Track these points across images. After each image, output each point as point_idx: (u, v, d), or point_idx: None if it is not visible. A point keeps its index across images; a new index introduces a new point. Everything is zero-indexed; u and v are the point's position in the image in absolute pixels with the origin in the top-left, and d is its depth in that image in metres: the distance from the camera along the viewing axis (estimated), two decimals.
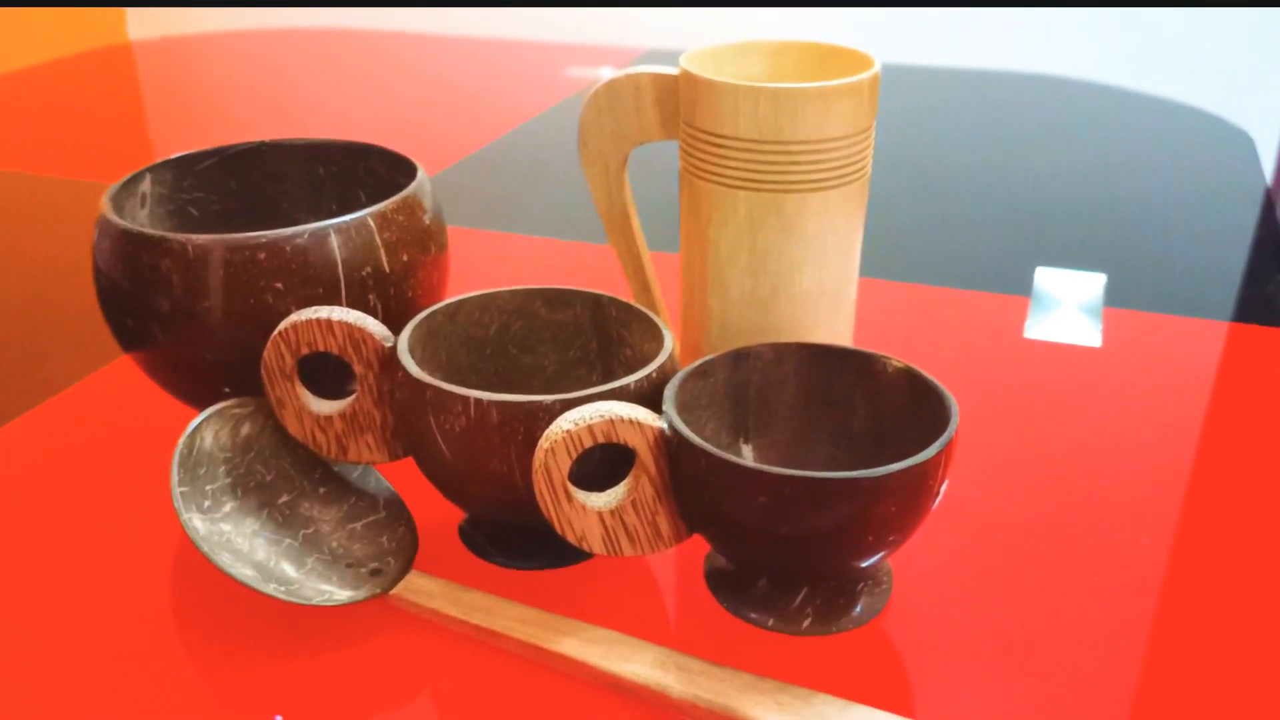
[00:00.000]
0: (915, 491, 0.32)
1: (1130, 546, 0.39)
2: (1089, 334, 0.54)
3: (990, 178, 0.77)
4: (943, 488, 0.34)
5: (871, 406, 0.38)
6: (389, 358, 0.37)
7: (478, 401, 0.34)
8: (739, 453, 0.39)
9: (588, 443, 0.33)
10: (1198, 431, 0.46)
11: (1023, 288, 0.59)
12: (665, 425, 0.34)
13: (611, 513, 0.34)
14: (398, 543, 0.38)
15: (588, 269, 0.63)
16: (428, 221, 0.42)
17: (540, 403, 0.34)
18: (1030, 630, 0.36)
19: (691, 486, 0.33)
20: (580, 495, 0.34)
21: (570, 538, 0.34)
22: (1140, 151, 0.82)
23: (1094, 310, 0.56)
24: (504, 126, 0.91)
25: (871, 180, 0.77)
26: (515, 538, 0.40)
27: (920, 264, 0.63)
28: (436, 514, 0.41)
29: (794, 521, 0.32)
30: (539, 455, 0.33)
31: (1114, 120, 0.90)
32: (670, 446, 0.34)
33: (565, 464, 0.33)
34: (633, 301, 0.41)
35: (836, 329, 0.42)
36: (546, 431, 0.33)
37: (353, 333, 0.37)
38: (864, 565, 0.34)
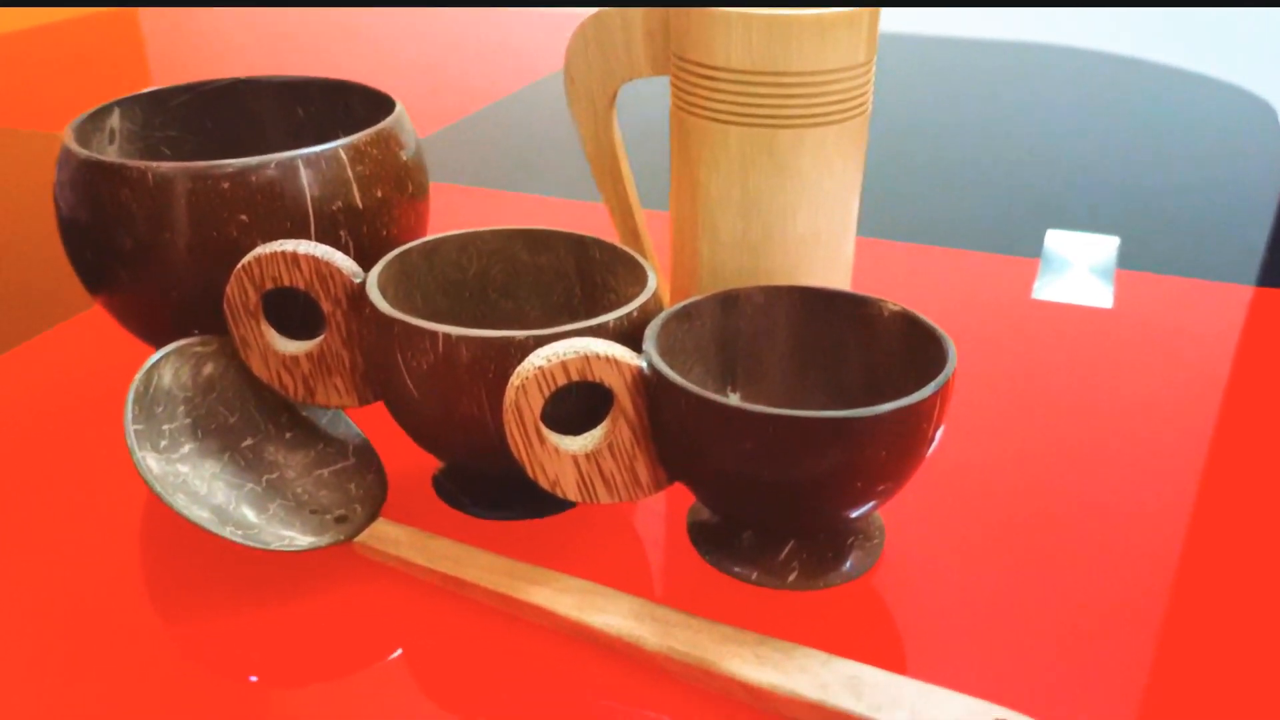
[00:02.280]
0: (908, 436, 0.30)
1: (1135, 512, 0.37)
2: (1099, 295, 0.52)
3: (1006, 146, 0.75)
4: (938, 434, 0.32)
5: (866, 354, 0.36)
6: (358, 295, 0.35)
7: (446, 337, 0.32)
8: None
9: (561, 380, 0.31)
10: (1212, 396, 0.44)
11: (1035, 252, 0.57)
12: (644, 364, 0.32)
13: (587, 457, 0.32)
14: (366, 490, 0.36)
15: (576, 224, 0.61)
16: (405, 158, 0.40)
17: (512, 339, 0.32)
18: (1025, 592, 0.34)
19: (671, 430, 0.31)
20: (554, 438, 0.32)
21: (543, 483, 0.32)
22: (1159, 120, 0.80)
23: (1106, 272, 0.54)
24: (503, 90, 0.89)
25: (882, 142, 0.75)
26: (490, 487, 0.38)
27: (928, 226, 0.61)
28: (410, 463, 0.40)
29: (779, 466, 0.30)
30: (510, 393, 0.31)
31: (1133, 89, 0.88)
32: (649, 387, 0.32)
33: (537, 403, 0.31)
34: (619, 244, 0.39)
35: (832, 278, 0.40)
36: (518, 368, 0.31)
37: (320, 267, 0.35)
38: (853, 516, 0.32)
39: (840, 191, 0.38)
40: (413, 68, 0.96)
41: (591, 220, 0.62)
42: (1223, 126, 0.78)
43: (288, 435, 0.38)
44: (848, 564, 0.34)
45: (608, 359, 0.31)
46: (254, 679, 0.30)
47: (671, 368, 0.35)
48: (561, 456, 0.32)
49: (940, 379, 0.31)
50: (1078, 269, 0.54)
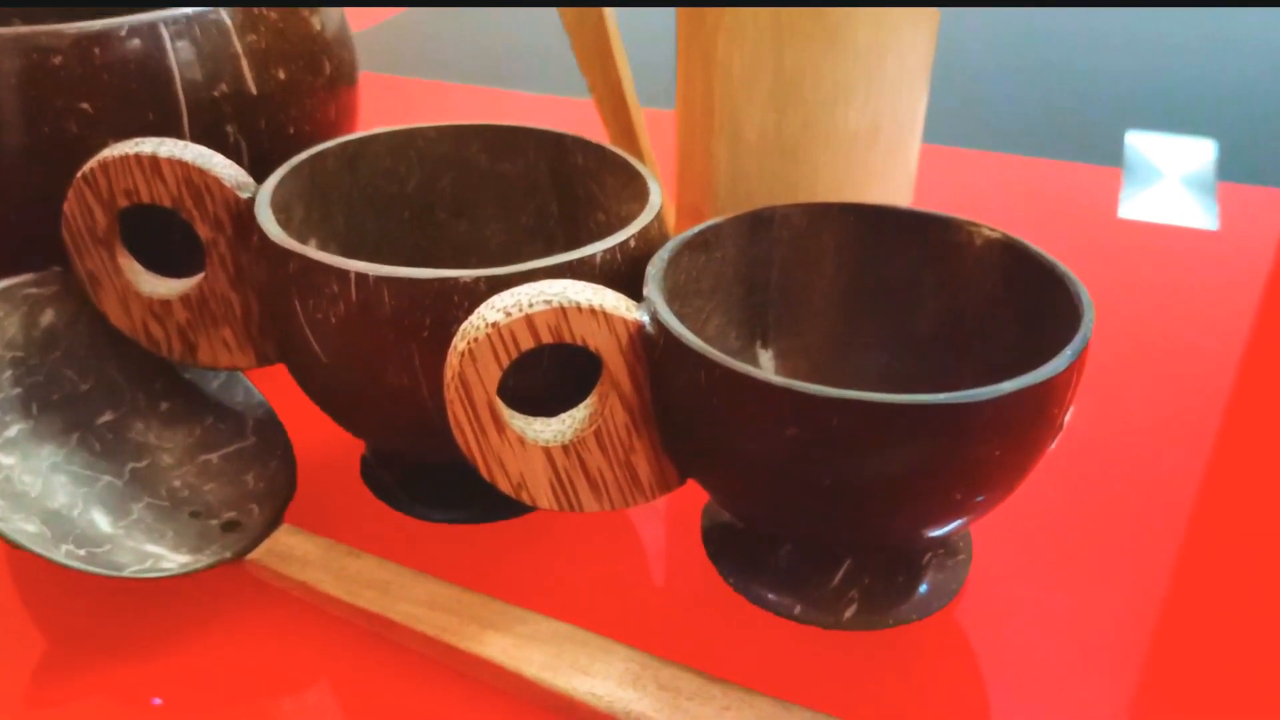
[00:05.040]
0: (1033, 424, 0.21)
1: None
2: (1199, 214, 0.42)
3: (1080, 34, 0.64)
4: (1066, 418, 0.22)
5: (948, 296, 0.26)
6: (247, 216, 0.25)
7: (361, 277, 0.22)
8: (755, 361, 0.27)
9: (526, 344, 0.21)
10: None
11: (1112, 160, 0.47)
12: (646, 318, 0.22)
13: (565, 449, 0.23)
14: (268, 482, 0.27)
15: (554, 124, 0.50)
16: (319, 28, 0.30)
17: (456, 281, 0.22)
18: (1177, 615, 0.24)
19: (684, 411, 0.22)
20: (517, 422, 0.23)
21: (504, 485, 0.23)
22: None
23: (1204, 184, 0.44)
24: None
25: (946, 35, 0.64)
26: (435, 477, 0.28)
27: (999, 130, 0.51)
28: (332, 441, 0.30)
29: (841, 469, 0.20)
30: (453, 361, 0.21)
31: None
32: (653, 350, 0.22)
33: (493, 375, 0.21)
34: (608, 144, 0.29)
35: (893, 189, 0.30)
36: (464, 325, 0.21)
37: (191, 176, 0.25)
38: (940, 534, 0.23)
39: (907, 74, 0.28)
40: None
41: (574, 120, 0.51)
42: None
43: (163, 406, 0.28)
44: (923, 588, 0.25)
45: (593, 311, 0.21)
46: None
47: (683, 315, 0.25)
48: (529, 449, 0.23)
49: (1078, 342, 0.21)
50: (1169, 180, 0.44)
